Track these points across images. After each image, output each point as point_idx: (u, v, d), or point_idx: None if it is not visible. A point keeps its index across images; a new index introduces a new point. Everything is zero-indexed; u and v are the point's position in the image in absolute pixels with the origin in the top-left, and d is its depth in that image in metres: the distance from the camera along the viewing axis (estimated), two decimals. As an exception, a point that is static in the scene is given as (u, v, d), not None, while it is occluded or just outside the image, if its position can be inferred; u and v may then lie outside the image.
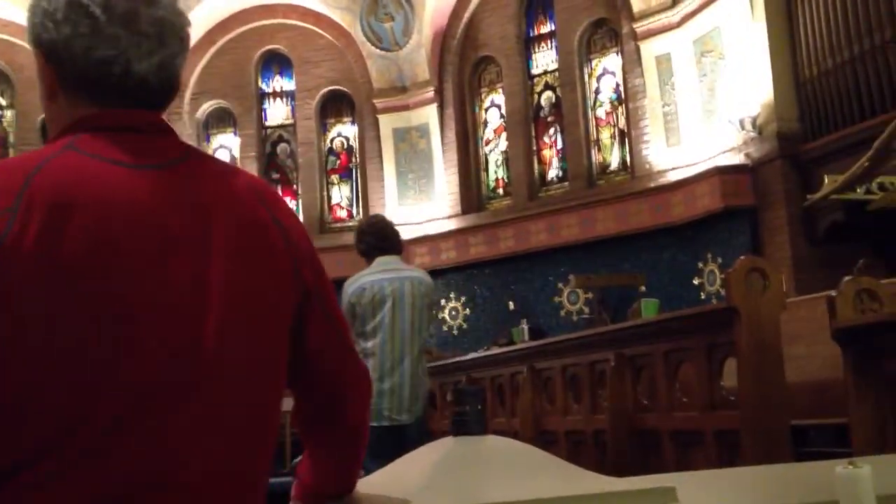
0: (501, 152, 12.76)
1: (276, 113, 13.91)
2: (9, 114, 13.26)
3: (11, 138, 13.12)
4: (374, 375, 3.94)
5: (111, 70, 1.16)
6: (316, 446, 1.41)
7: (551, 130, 12.38)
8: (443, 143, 12.74)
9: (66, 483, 1.03)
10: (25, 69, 12.32)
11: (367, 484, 1.60)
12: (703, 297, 9.79)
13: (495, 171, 12.82)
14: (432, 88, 12.72)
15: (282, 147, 13.80)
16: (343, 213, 13.57)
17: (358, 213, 13.41)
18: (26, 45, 1.23)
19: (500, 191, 12.74)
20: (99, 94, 1.17)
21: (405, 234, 11.17)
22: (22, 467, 1.03)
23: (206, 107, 13.60)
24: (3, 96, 13.31)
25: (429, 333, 4.78)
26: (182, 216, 1.12)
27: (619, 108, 11.71)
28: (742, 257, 3.68)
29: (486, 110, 12.97)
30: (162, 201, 1.12)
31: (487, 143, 12.94)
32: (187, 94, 13.10)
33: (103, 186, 1.09)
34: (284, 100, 13.87)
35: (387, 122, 12.94)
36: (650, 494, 1.44)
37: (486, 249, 11.91)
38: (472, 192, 12.74)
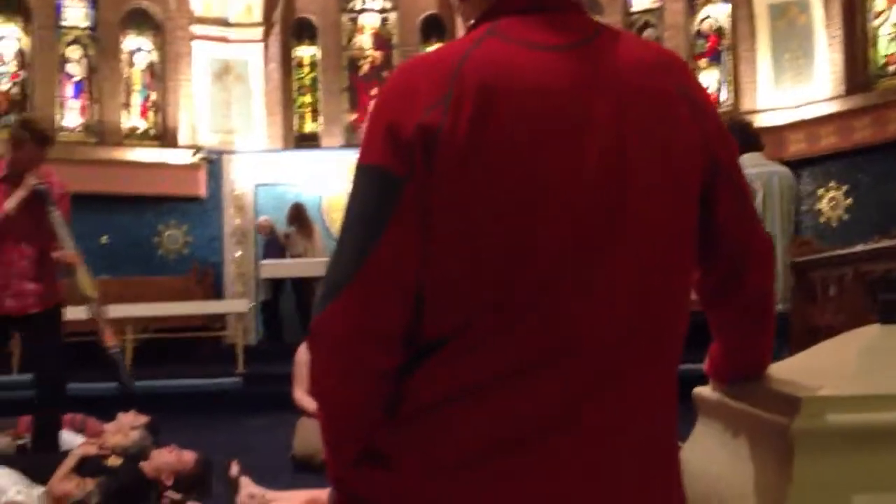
0: (894, 24, 11.38)
1: (642, -3, 13.56)
2: (392, 16, 14.28)
3: (395, 39, 14.14)
4: None
5: None
6: (722, 321, 1.42)
7: (959, -6, 10.80)
8: (826, 18, 11.61)
9: (485, 353, 1.11)
10: (408, -29, 13.09)
11: (782, 368, 1.61)
12: None
13: (887, 46, 11.48)
14: (818, -44, 11.59)
15: (648, 32, 13.44)
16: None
17: (726, 97, 12.76)
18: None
19: (893, 67, 11.41)
20: None
21: (779, 119, 10.67)
22: (444, 342, 1.13)
23: (572, -4, 13.59)
24: (387, -1, 14.34)
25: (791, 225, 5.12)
26: (596, 93, 1.14)
27: None
28: None
29: (880, -24, 11.59)
30: (577, 80, 1.14)
31: (878, 14, 11.56)
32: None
33: (522, 70, 1.12)
34: (652, -18, 13.46)
35: (763, -2, 12.07)
36: None
37: (873, 133, 10.80)
38: (858, 71, 11.52)
